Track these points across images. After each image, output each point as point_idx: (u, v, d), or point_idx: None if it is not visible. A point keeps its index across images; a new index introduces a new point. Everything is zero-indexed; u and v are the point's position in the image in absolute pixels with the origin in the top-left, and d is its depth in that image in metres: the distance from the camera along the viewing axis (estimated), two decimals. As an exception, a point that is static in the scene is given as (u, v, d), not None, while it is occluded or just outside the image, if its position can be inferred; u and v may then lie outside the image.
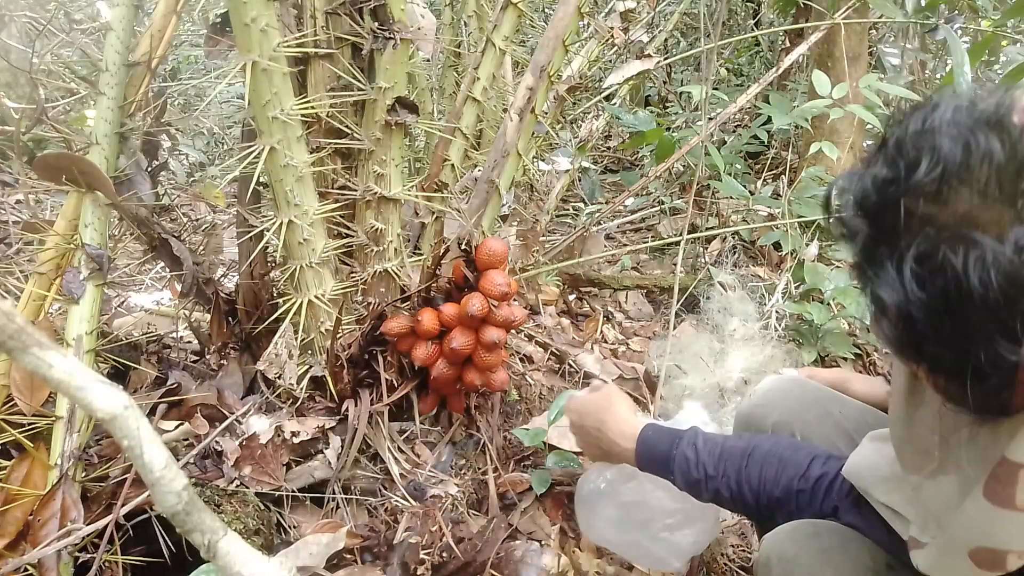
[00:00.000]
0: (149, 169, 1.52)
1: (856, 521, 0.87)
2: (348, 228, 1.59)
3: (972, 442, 0.67)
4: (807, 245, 2.60)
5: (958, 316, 0.51)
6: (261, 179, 1.44)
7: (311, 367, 1.58)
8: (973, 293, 0.49)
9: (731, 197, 3.03)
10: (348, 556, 1.44)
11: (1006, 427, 0.60)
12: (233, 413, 1.51)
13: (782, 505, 0.94)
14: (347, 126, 1.52)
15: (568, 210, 3.60)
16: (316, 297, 1.53)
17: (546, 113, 2.04)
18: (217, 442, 1.44)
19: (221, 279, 1.85)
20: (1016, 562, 0.65)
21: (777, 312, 2.40)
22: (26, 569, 1.12)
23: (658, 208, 3.64)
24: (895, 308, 0.54)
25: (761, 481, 0.96)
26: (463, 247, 1.53)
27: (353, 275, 1.62)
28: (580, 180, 3.06)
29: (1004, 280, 0.48)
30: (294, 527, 1.46)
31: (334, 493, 1.51)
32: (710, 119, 2.88)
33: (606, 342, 2.50)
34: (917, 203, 0.53)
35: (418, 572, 1.39)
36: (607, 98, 3.11)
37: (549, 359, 2.20)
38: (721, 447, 1.01)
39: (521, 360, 2.11)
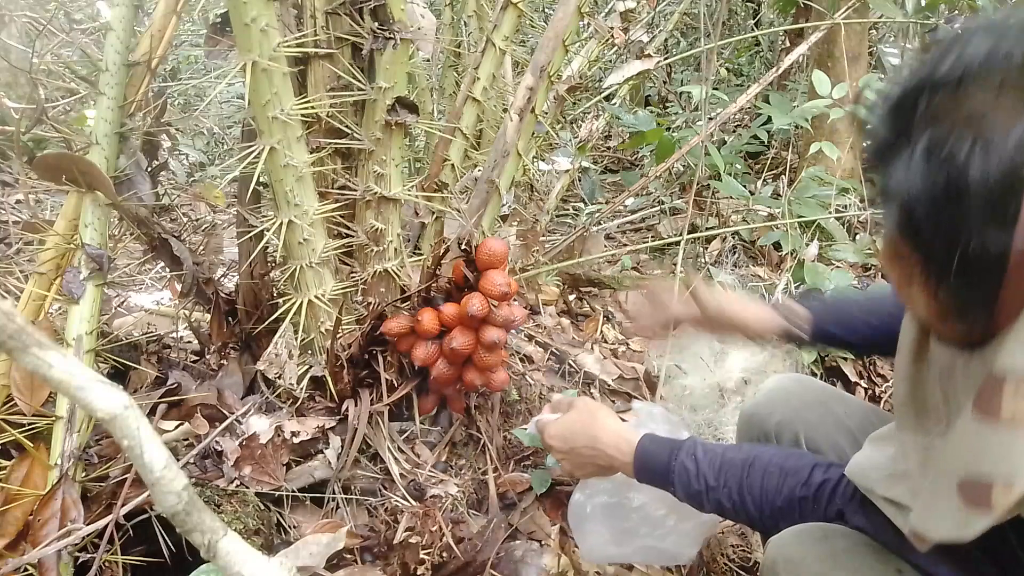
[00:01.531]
0: (149, 169, 1.52)
1: (863, 523, 0.86)
2: (348, 228, 1.59)
3: (966, 379, 0.68)
4: (807, 245, 2.61)
5: (955, 205, 0.54)
6: (261, 179, 1.44)
7: (311, 367, 1.58)
8: (971, 183, 0.52)
9: (731, 197, 3.03)
10: (348, 556, 1.45)
11: (992, 347, 0.62)
12: (233, 413, 1.51)
13: (785, 514, 0.93)
14: (347, 126, 1.52)
15: (568, 210, 3.61)
16: (316, 297, 1.53)
17: (546, 113, 2.04)
18: (217, 442, 1.44)
19: (221, 279, 1.85)
20: (1001, 497, 0.62)
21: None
22: (26, 569, 1.12)
23: (658, 208, 3.64)
24: (901, 196, 0.57)
25: (763, 491, 0.95)
26: (463, 247, 1.53)
27: (353, 275, 1.62)
28: (580, 180, 3.06)
29: (1000, 173, 0.52)
30: (294, 527, 1.46)
31: (334, 493, 1.51)
32: (710, 119, 2.88)
33: (606, 342, 2.50)
34: (935, 97, 0.56)
35: (418, 572, 1.39)
36: (607, 98, 3.11)
37: (549, 359, 2.20)
38: (721, 458, 1.00)
39: (521, 360, 2.11)
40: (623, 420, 1.19)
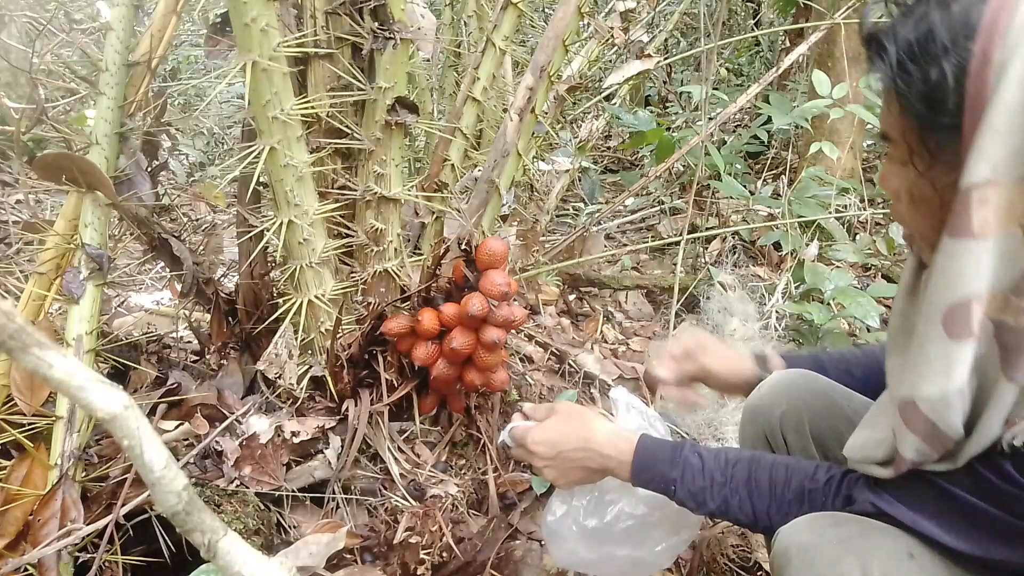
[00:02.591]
0: (149, 169, 1.52)
1: (871, 500, 0.86)
2: (348, 228, 1.60)
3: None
4: (807, 245, 2.61)
5: (929, 44, 0.71)
6: (261, 179, 1.44)
7: (311, 367, 1.58)
8: (936, 28, 0.70)
9: (731, 197, 3.03)
10: (348, 556, 1.45)
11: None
12: (233, 413, 1.51)
13: (793, 507, 0.93)
14: (347, 126, 1.52)
15: (568, 210, 3.61)
16: (316, 297, 1.53)
17: (546, 113, 2.04)
18: (217, 442, 1.44)
19: (221, 279, 1.85)
20: (978, 313, 0.70)
21: (777, 312, 2.40)
22: (26, 569, 1.12)
23: (658, 208, 3.64)
24: (892, 50, 0.74)
25: (772, 484, 0.95)
26: (463, 247, 1.53)
27: (353, 275, 1.62)
28: (580, 180, 3.07)
29: (956, 22, 0.69)
30: (294, 527, 1.46)
31: (334, 493, 1.51)
32: (710, 119, 2.88)
33: (606, 342, 2.50)
34: None
35: (418, 572, 1.39)
36: (607, 98, 3.11)
37: (549, 359, 2.20)
38: (726, 455, 1.00)
39: (521, 360, 2.11)
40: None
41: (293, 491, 1.47)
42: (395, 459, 1.59)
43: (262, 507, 1.42)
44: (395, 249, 1.64)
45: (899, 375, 0.82)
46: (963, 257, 0.70)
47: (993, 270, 0.69)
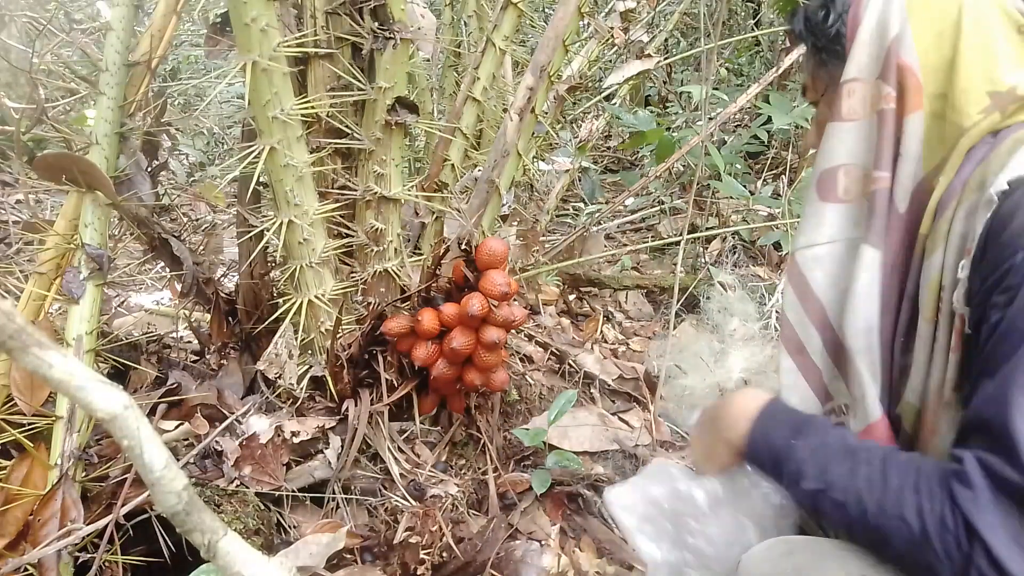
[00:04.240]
0: (149, 169, 1.52)
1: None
2: (348, 228, 1.59)
3: None
4: (807, 245, 2.60)
5: (826, 8, 0.96)
6: (261, 179, 1.44)
7: (311, 367, 1.58)
8: None
9: (731, 197, 3.03)
10: (348, 556, 1.44)
11: None
12: (233, 413, 1.51)
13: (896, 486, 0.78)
14: (347, 126, 1.52)
15: (568, 210, 3.61)
16: (316, 297, 1.53)
17: (546, 113, 2.04)
18: (217, 442, 1.44)
19: (221, 279, 1.85)
20: (843, 180, 0.91)
21: (777, 312, 2.40)
22: (26, 569, 1.13)
23: (658, 208, 3.64)
24: (802, 18, 0.98)
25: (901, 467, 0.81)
26: (463, 247, 1.53)
27: (353, 275, 1.62)
28: (580, 180, 3.06)
29: None
30: (294, 527, 1.46)
31: (334, 493, 1.51)
32: (710, 119, 2.88)
33: (606, 342, 2.50)
34: None
35: (418, 572, 1.39)
36: (607, 98, 3.11)
37: (549, 359, 2.20)
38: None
39: (521, 360, 2.11)
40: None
41: (293, 491, 1.47)
42: (395, 459, 1.59)
43: (262, 507, 1.42)
44: (395, 249, 1.64)
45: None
46: (835, 135, 0.91)
47: (856, 145, 0.90)
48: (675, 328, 2.35)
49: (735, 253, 2.97)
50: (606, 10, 2.35)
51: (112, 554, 1.18)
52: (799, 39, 1.00)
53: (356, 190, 1.56)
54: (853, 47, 0.90)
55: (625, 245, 3.48)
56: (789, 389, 0.98)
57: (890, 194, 0.87)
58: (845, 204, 0.92)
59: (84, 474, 1.28)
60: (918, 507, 0.73)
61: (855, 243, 0.90)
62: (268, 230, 1.48)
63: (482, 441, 1.71)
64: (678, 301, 2.41)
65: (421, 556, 1.40)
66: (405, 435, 1.66)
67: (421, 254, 1.72)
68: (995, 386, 0.70)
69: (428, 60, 2.95)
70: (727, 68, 5.47)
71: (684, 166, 3.45)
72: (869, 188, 0.88)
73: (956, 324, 0.80)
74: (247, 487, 1.41)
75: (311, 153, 1.47)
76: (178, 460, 1.35)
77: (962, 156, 0.83)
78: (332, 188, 1.56)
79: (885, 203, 0.87)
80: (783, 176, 3.54)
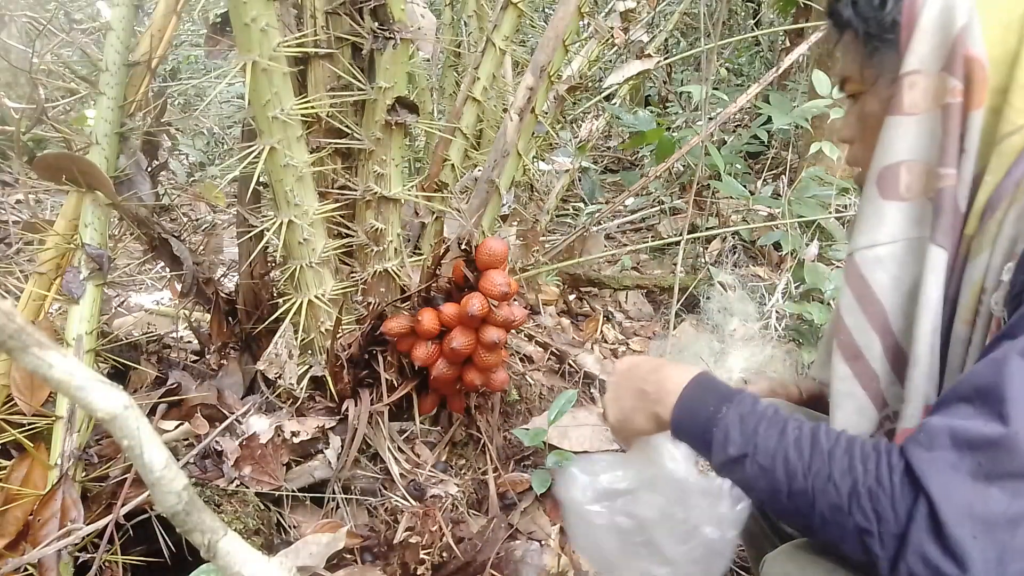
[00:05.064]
0: (149, 169, 1.52)
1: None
2: (348, 228, 1.60)
3: None
4: (807, 245, 2.60)
5: None
6: (261, 179, 1.44)
7: (311, 367, 1.58)
8: None
9: (731, 197, 3.03)
10: (348, 556, 1.45)
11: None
12: (233, 413, 1.51)
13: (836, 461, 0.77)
14: (347, 126, 1.52)
15: (568, 210, 3.60)
16: (316, 297, 1.53)
17: (546, 113, 2.04)
18: (217, 442, 1.44)
19: (221, 279, 1.85)
20: (905, 177, 0.85)
21: (777, 312, 2.40)
22: (26, 569, 1.12)
23: (658, 208, 3.64)
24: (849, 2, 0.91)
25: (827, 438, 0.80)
26: (463, 247, 1.53)
27: (353, 275, 1.62)
28: (580, 180, 3.06)
29: None
30: (294, 527, 1.46)
31: (334, 493, 1.51)
32: (710, 119, 2.88)
33: (606, 342, 2.50)
34: None
35: (418, 572, 1.39)
36: (607, 98, 3.11)
37: (549, 359, 2.20)
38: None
39: (521, 360, 2.11)
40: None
41: (293, 491, 1.47)
42: (395, 459, 1.59)
43: (262, 507, 1.42)
44: (395, 249, 1.64)
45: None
46: (896, 129, 0.85)
47: (918, 141, 0.84)
48: (675, 328, 2.35)
49: (735, 253, 2.97)
50: (606, 10, 2.35)
51: (112, 554, 1.18)
52: (843, 26, 0.93)
53: (356, 190, 1.57)
54: (914, 36, 0.85)
55: (625, 245, 3.48)
56: (844, 396, 0.93)
57: (955, 192, 0.83)
58: (907, 202, 0.86)
59: (84, 474, 1.28)
60: (848, 466, 0.72)
61: (917, 243, 0.85)
62: (268, 230, 1.48)
63: (482, 441, 1.71)
64: (678, 301, 2.41)
65: (421, 556, 1.40)
66: (405, 435, 1.66)
67: (421, 254, 1.72)
68: (992, 357, 0.69)
69: (428, 60, 2.95)
70: (727, 68, 5.47)
71: (684, 166, 3.45)
72: (934, 185, 0.83)
73: (992, 327, 0.78)
74: (247, 487, 1.41)
75: (311, 153, 1.47)
76: (178, 460, 1.35)
77: (1015, 155, 0.80)
78: (332, 188, 1.56)
79: (952, 201, 0.82)
80: (783, 176, 3.54)
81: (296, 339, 1.58)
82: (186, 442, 1.43)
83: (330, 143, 1.54)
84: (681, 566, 1.03)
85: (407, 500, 1.53)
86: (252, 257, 1.57)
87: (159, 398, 1.50)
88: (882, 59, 0.90)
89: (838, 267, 2.67)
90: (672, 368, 0.94)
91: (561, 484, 1.11)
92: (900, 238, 0.87)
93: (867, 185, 0.88)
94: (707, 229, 3.05)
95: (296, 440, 1.51)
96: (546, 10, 4.31)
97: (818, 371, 1.17)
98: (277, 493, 1.45)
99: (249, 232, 1.53)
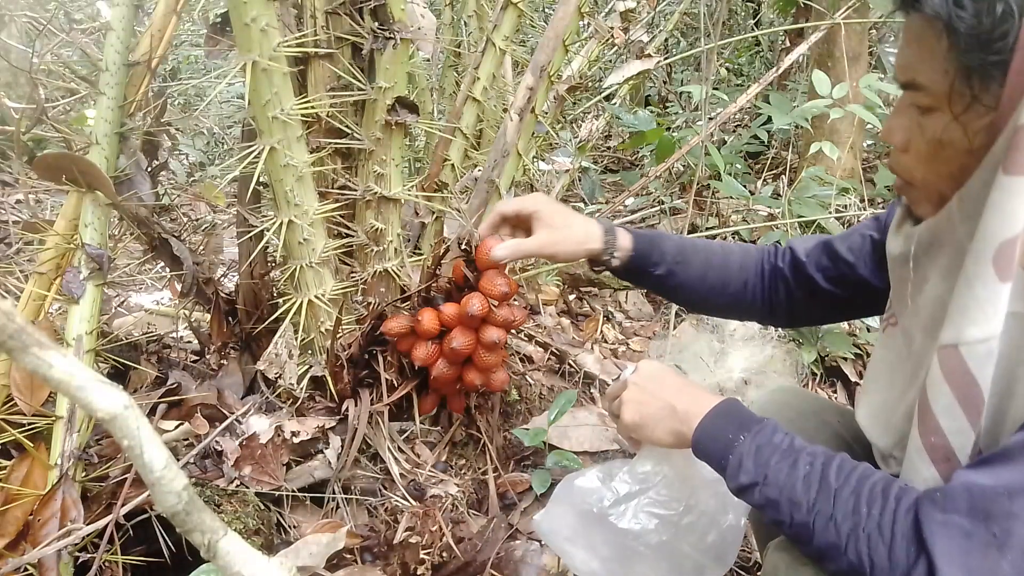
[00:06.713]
0: (149, 169, 1.52)
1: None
2: (348, 228, 1.60)
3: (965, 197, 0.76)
4: (807, 245, 2.60)
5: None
6: (261, 179, 1.44)
7: (311, 367, 1.58)
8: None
9: (731, 197, 3.03)
10: (348, 556, 1.45)
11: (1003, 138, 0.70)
12: (233, 413, 1.51)
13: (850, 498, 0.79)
14: (347, 126, 1.52)
15: (568, 210, 3.60)
16: (316, 297, 1.53)
17: (546, 113, 2.04)
18: (217, 442, 1.44)
19: (221, 279, 1.85)
20: (1020, 251, 0.67)
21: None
22: (26, 569, 1.12)
23: (658, 208, 3.64)
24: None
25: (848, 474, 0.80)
26: (463, 247, 1.53)
27: (353, 275, 1.62)
28: (580, 180, 3.06)
29: None
30: (294, 527, 1.46)
31: (334, 493, 1.51)
32: (710, 119, 2.88)
33: (606, 342, 2.50)
34: None
35: (418, 572, 1.39)
36: (607, 98, 3.12)
37: (549, 359, 2.20)
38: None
39: (521, 360, 2.11)
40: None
41: (293, 491, 1.47)
42: (395, 459, 1.59)
43: (262, 507, 1.42)
44: (395, 249, 1.64)
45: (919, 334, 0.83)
46: (1019, 197, 0.67)
47: None
48: (675, 328, 2.35)
49: (735, 253, 2.96)
50: (606, 10, 2.35)
51: (112, 554, 1.18)
52: (933, 19, 0.72)
53: (356, 190, 1.56)
54: None
55: (625, 245, 3.47)
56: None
57: None
58: (1017, 279, 0.71)
59: (84, 474, 1.28)
60: (853, 508, 0.73)
61: (1018, 317, 0.71)
62: (268, 230, 1.48)
63: (482, 441, 1.71)
64: (678, 301, 2.40)
65: (421, 556, 1.40)
66: (405, 435, 1.66)
67: (421, 254, 1.72)
68: None
69: (428, 60, 2.95)
70: (727, 68, 5.47)
71: (684, 166, 3.45)
72: None
73: None
74: (247, 487, 1.41)
75: (311, 153, 1.47)
76: (178, 460, 1.35)
77: None
78: (332, 188, 1.56)
79: None
80: (783, 176, 3.54)
81: (296, 339, 1.58)
82: (186, 442, 1.43)
83: (330, 143, 1.54)
84: (699, 559, 1.05)
85: (407, 500, 1.53)
86: (252, 257, 1.57)
87: (159, 398, 1.50)
88: (980, 80, 0.71)
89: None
90: (703, 391, 0.95)
91: (567, 500, 1.09)
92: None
93: (977, 263, 0.71)
94: (707, 229, 3.05)
95: (296, 440, 1.51)
96: (546, 10, 4.31)
97: (863, 423, 0.98)
98: (277, 493, 1.45)
99: (249, 232, 1.53)
